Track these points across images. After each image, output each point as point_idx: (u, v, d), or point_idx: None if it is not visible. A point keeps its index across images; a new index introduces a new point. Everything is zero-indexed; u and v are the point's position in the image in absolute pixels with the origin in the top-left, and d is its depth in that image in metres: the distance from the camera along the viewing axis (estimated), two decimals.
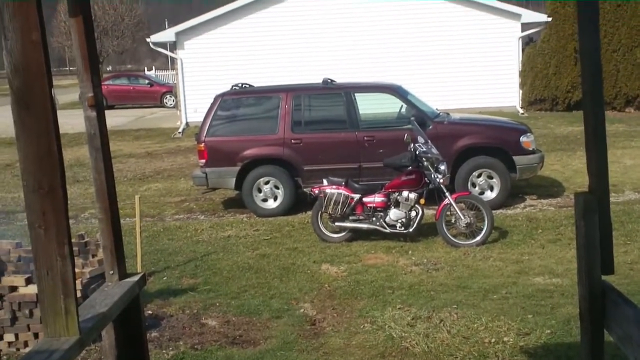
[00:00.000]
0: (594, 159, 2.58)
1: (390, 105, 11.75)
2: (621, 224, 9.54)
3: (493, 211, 9.56)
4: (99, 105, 3.02)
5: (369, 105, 11.89)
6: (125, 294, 2.92)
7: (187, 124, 25.10)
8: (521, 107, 25.26)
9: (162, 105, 36.71)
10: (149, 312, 7.09)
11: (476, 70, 24.45)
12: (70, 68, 78.75)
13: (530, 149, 11.28)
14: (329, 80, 11.98)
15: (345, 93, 11.66)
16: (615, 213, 9.82)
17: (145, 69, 58.05)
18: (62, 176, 2.39)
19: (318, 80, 12.30)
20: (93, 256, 7.07)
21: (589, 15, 2.48)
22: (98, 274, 6.61)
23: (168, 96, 36.65)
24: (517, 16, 24.90)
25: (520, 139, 11.23)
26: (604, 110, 2.63)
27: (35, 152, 2.35)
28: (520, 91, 25.45)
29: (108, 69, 72.06)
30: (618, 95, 24.13)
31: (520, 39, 25.24)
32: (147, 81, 38.80)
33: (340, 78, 13.07)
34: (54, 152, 2.36)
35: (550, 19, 24.65)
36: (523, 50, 25.60)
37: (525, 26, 25.07)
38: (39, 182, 2.39)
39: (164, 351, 6.17)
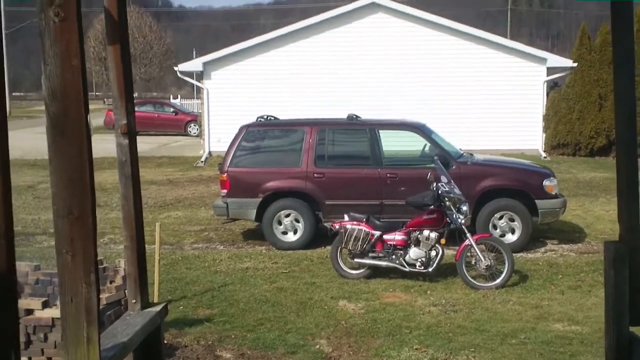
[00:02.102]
0: (626, 208, 2.56)
1: (414, 144, 11.76)
2: None
3: (514, 254, 9.48)
4: (131, 133, 3.05)
5: (392, 143, 11.91)
6: (147, 324, 2.91)
7: (210, 153, 25.23)
8: (544, 151, 25.18)
9: (185, 133, 36.94)
10: (164, 341, 7.07)
11: (501, 112, 24.46)
12: (97, 93, 79.62)
13: (553, 193, 11.21)
14: (354, 116, 12.02)
15: (370, 129, 11.69)
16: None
17: (171, 96, 58.56)
18: (93, 203, 2.41)
19: (343, 115, 12.35)
20: (111, 282, 7.06)
21: (625, 60, 2.47)
22: (114, 300, 6.60)
23: (192, 125, 36.90)
24: (543, 60, 24.97)
25: (543, 182, 11.18)
26: (637, 158, 2.61)
27: (67, 178, 2.37)
28: (544, 135, 25.39)
29: (134, 95, 72.84)
30: None
31: (546, 83, 25.26)
32: (172, 109, 39.10)
33: (365, 114, 13.11)
34: (86, 178, 2.37)
35: (575, 64, 24.67)
36: (548, 94, 25.58)
37: (550, 70, 25.12)
38: (69, 208, 2.40)
39: None
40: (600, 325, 7.44)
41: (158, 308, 3.12)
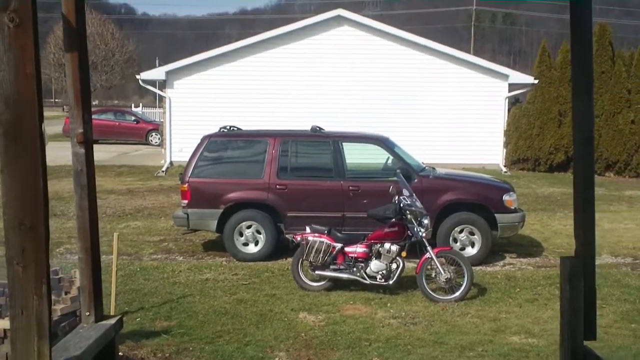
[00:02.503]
0: (582, 225, 2.59)
1: (376, 157, 11.79)
2: (597, 287, 9.50)
3: (473, 267, 9.54)
4: (88, 142, 2.99)
5: (355, 155, 11.93)
6: (100, 337, 2.85)
7: (171, 162, 25.05)
8: (504, 166, 25.46)
9: (147, 142, 36.65)
10: (120, 353, 6.95)
11: (463, 126, 24.70)
12: (56, 100, 78.65)
13: (513, 207, 11.33)
14: (317, 128, 12.02)
15: (333, 142, 11.70)
16: None
17: (132, 105, 58.08)
18: (46, 214, 2.35)
19: (306, 127, 12.35)
20: (66, 293, 6.95)
21: (584, 84, 2.51)
22: (69, 311, 6.49)
23: (154, 134, 36.62)
24: (505, 76, 25.29)
25: (503, 197, 11.29)
26: (594, 177, 2.64)
27: (19, 188, 2.31)
28: (504, 150, 25.68)
29: (94, 103, 71.97)
30: (599, 159, 24.39)
31: (507, 99, 25.57)
32: (133, 118, 38.78)
33: (329, 126, 13.13)
34: (39, 188, 2.32)
35: (536, 81, 25.05)
36: (509, 110, 25.90)
37: (512, 87, 25.46)
38: (20, 218, 2.34)
39: None
40: (556, 337, 7.51)
41: (113, 321, 3.06)
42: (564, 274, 2.65)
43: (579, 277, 2.57)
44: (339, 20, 25.32)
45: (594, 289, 2.62)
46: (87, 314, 3.06)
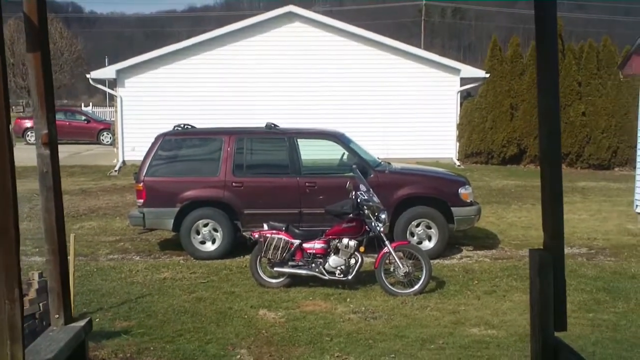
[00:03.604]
0: (550, 218, 2.63)
1: (332, 152, 11.83)
2: None
3: (431, 261, 9.64)
4: (52, 143, 2.95)
5: (311, 152, 11.95)
6: (71, 339, 2.82)
7: (124, 162, 24.79)
8: (458, 159, 25.75)
9: (98, 142, 36.20)
10: (88, 356, 6.87)
11: (416, 121, 24.91)
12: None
13: (468, 200, 11.47)
14: (272, 125, 12.01)
15: (288, 138, 11.69)
16: None
17: (82, 104, 57.21)
18: (15, 216, 2.31)
19: (261, 124, 12.32)
20: (24, 295, 6.84)
21: (549, 77, 2.55)
22: (29, 314, 6.39)
23: (105, 133, 36.19)
24: (456, 71, 25.57)
25: (459, 190, 11.41)
26: (561, 170, 2.70)
27: None
28: (458, 144, 25.97)
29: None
30: None
31: (459, 93, 25.86)
32: (83, 117, 38.24)
33: (283, 123, 13.12)
34: (8, 190, 2.28)
35: (487, 75, 25.36)
36: (461, 104, 26.19)
37: (464, 81, 25.75)
38: None
39: None
40: (516, 329, 7.67)
41: (82, 323, 3.03)
42: (533, 266, 2.70)
43: (549, 269, 2.62)
44: (290, 16, 25.32)
45: (564, 281, 2.67)
46: (57, 316, 3.02)
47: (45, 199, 3.02)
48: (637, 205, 13.96)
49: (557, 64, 2.56)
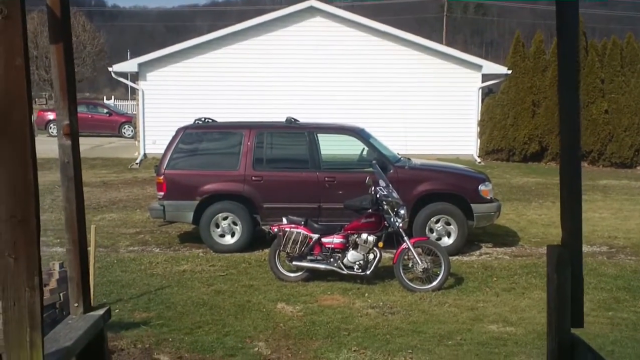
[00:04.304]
0: (569, 215, 2.63)
1: (352, 148, 11.83)
2: None
3: (450, 257, 9.62)
4: (74, 134, 2.98)
5: (331, 147, 11.95)
6: (90, 327, 2.85)
7: (145, 155, 24.91)
8: (478, 156, 25.64)
9: (120, 135, 36.43)
10: (108, 345, 6.92)
11: (437, 117, 24.82)
12: None
13: (488, 197, 11.43)
14: (293, 120, 12.02)
15: (308, 133, 11.71)
16: None
17: (105, 97, 57.55)
18: (37, 206, 2.35)
19: (281, 118, 12.35)
20: (45, 286, 6.91)
21: (570, 73, 2.54)
22: (49, 303, 6.46)
23: (127, 126, 36.41)
24: (478, 67, 25.43)
25: (479, 187, 11.37)
26: (580, 166, 2.69)
27: (9, 180, 2.30)
28: (479, 140, 25.86)
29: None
30: None
31: (480, 90, 25.72)
32: (105, 110, 38.51)
33: (304, 118, 13.14)
34: (30, 181, 2.31)
35: (509, 72, 25.21)
36: (483, 100, 26.07)
37: (485, 77, 25.60)
38: (11, 210, 2.33)
39: None
40: (534, 326, 7.64)
41: (101, 312, 3.07)
42: (551, 262, 2.69)
43: (567, 265, 2.61)
44: (312, 11, 25.30)
45: (581, 277, 2.66)
46: (76, 305, 3.06)
47: (66, 189, 3.05)
48: None
49: (578, 59, 2.55)
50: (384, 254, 9.61)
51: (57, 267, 7.02)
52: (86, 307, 3.06)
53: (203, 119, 12.21)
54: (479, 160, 25.28)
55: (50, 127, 35.56)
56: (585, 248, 11.76)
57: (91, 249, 8.01)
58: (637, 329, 7.73)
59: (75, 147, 3.04)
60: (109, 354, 6.52)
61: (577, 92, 2.51)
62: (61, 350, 2.62)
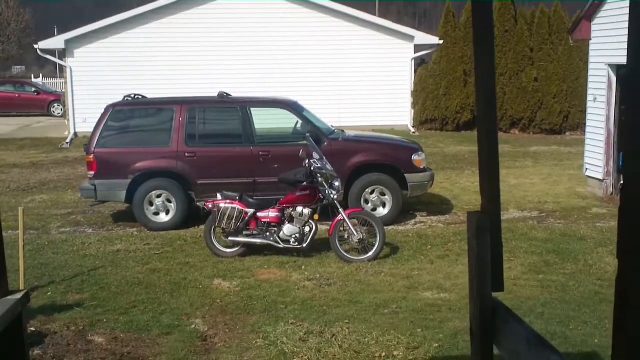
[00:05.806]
0: (487, 181, 2.65)
1: (285, 121, 11.78)
2: (505, 241, 9.82)
3: (385, 227, 9.70)
4: None
5: (264, 120, 11.88)
6: (6, 312, 2.76)
7: (75, 134, 24.38)
8: (413, 126, 25.85)
9: (49, 114, 35.53)
10: (32, 329, 6.80)
11: (370, 88, 24.88)
12: None
13: (422, 167, 11.54)
14: (225, 94, 11.90)
15: (241, 107, 11.61)
16: None
17: (32, 76, 56.05)
18: None
19: (213, 93, 12.20)
20: None
21: (484, 43, 2.55)
22: None
23: (56, 105, 35.53)
24: (410, 38, 25.54)
25: (412, 157, 11.47)
26: (497, 134, 2.71)
27: None
28: (412, 111, 26.05)
29: None
30: (504, 117, 25.09)
31: (413, 60, 25.86)
32: (33, 89, 37.47)
33: (236, 92, 13.01)
34: None
35: (441, 42, 25.41)
36: (415, 71, 26.23)
37: (418, 48, 25.72)
38: None
39: None
40: (467, 291, 7.76)
41: (19, 296, 2.96)
42: (471, 229, 2.72)
43: (486, 231, 2.64)
44: None
45: (501, 243, 2.70)
46: None
47: None
48: (586, 169, 14.18)
49: (492, 26, 2.57)
50: (320, 227, 9.63)
51: None
52: (3, 291, 2.96)
53: (133, 96, 11.97)
54: (413, 130, 25.49)
55: None
56: (516, 213, 12.03)
57: (20, 231, 7.81)
58: (566, 290, 7.94)
59: None
60: (31, 338, 6.39)
61: (492, 60, 2.53)
62: None
